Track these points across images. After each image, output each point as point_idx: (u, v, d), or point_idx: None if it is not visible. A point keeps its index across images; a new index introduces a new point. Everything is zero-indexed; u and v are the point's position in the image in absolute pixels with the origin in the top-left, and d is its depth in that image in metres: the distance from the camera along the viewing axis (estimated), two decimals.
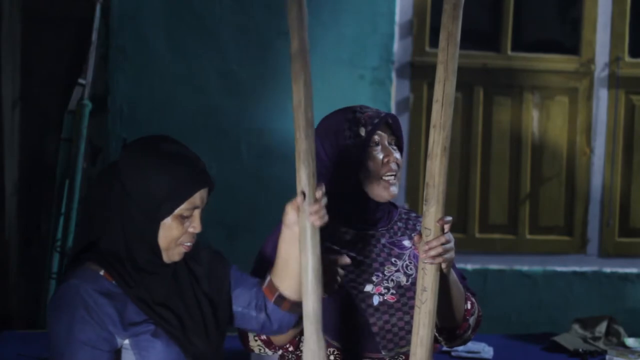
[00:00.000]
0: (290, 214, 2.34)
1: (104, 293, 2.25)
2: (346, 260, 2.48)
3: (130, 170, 2.27)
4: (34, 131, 4.97)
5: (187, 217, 2.29)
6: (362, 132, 2.55)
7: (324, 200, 2.32)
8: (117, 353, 2.27)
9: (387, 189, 2.56)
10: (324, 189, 2.32)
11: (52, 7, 4.92)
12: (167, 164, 2.27)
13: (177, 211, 2.27)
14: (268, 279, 2.44)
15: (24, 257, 4.95)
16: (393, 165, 2.56)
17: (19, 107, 4.92)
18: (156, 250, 2.29)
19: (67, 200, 4.69)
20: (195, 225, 2.30)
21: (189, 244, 2.32)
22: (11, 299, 4.88)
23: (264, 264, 2.54)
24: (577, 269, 5.26)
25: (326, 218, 2.32)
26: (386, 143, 2.57)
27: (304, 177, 2.29)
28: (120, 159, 2.31)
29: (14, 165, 4.88)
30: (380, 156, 2.56)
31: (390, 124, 2.59)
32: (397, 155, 2.58)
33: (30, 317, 4.83)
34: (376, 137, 2.56)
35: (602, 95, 5.26)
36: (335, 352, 2.52)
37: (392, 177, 2.56)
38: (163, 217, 2.27)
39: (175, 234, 2.28)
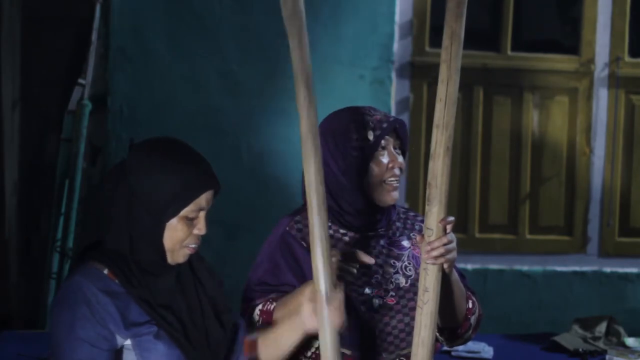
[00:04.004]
0: (306, 308, 2.34)
1: (107, 292, 2.25)
2: (370, 260, 2.48)
3: (137, 170, 2.27)
4: (34, 131, 4.97)
5: (193, 219, 2.29)
6: (371, 136, 2.54)
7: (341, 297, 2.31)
8: (118, 353, 2.27)
9: (389, 194, 2.55)
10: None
11: (52, 7, 4.91)
12: (174, 165, 2.27)
13: (182, 212, 2.27)
14: (254, 336, 2.44)
15: (24, 257, 4.95)
16: (397, 171, 2.55)
17: (19, 107, 4.92)
18: (161, 252, 2.28)
19: (67, 200, 4.69)
20: (200, 227, 2.30)
21: (194, 245, 2.31)
22: (11, 299, 4.88)
23: (254, 290, 2.55)
24: (577, 268, 5.25)
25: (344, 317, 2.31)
26: (391, 147, 2.57)
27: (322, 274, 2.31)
28: (128, 158, 2.30)
29: (14, 165, 4.88)
30: (386, 161, 2.55)
31: (396, 128, 2.58)
32: (400, 159, 2.58)
33: (30, 317, 4.83)
34: (383, 142, 2.55)
35: (602, 95, 5.25)
36: None
37: (395, 182, 2.56)
38: (169, 218, 2.27)
39: (180, 236, 2.28)
